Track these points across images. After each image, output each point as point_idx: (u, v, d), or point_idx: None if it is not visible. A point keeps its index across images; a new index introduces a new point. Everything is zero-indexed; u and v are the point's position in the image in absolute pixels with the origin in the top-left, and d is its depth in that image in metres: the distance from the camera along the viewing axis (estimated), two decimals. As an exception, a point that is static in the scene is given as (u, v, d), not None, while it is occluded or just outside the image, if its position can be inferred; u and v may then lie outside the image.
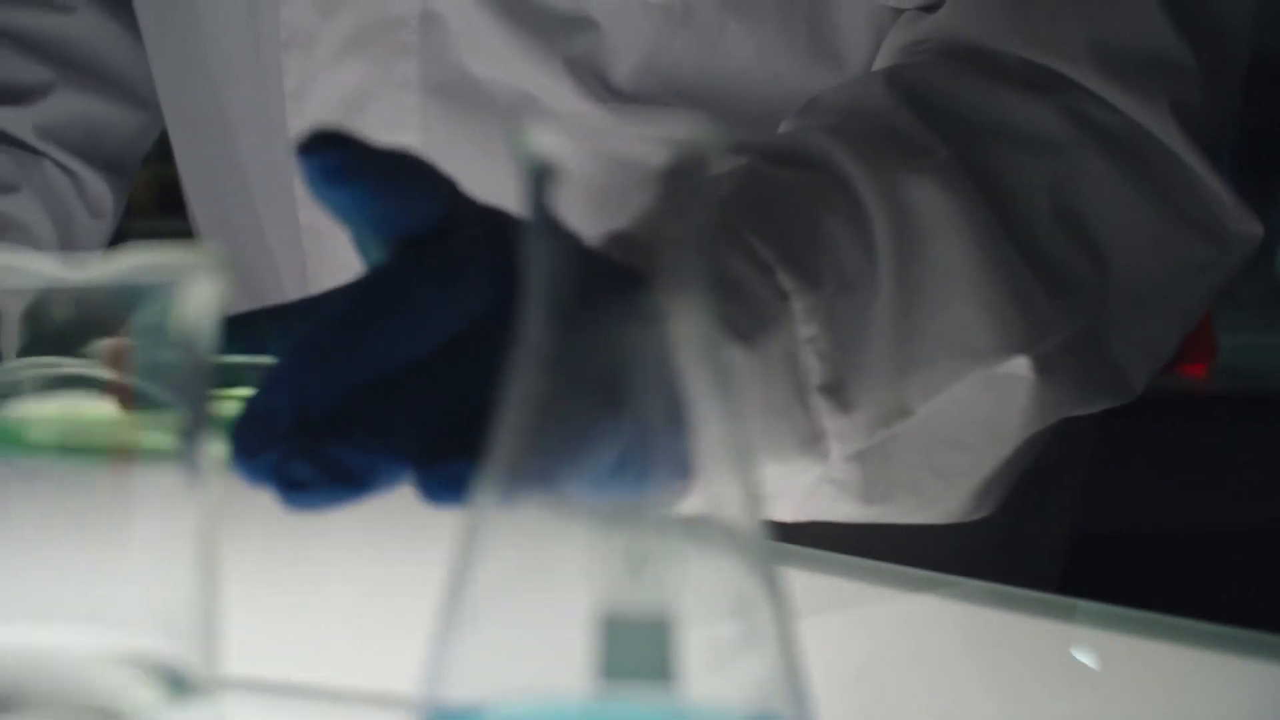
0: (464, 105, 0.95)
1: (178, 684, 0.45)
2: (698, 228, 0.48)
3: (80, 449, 0.48)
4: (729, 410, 0.48)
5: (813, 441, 0.78)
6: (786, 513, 0.83)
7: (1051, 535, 1.06)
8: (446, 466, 0.57)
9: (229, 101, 1.02)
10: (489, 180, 0.94)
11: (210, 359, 0.47)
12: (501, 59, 0.94)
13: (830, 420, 0.78)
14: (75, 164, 1.10)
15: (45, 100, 1.09)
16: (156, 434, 0.46)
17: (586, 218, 0.48)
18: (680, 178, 0.48)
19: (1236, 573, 1.88)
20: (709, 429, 0.48)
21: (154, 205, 2.24)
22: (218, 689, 0.45)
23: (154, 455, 0.47)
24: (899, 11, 0.94)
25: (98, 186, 1.11)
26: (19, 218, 1.05)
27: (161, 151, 1.15)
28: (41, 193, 1.07)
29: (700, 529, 0.47)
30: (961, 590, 0.77)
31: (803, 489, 0.81)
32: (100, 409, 0.47)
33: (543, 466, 0.48)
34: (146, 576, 0.45)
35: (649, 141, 0.48)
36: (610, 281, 0.48)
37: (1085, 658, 0.70)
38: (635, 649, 0.46)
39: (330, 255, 0.97)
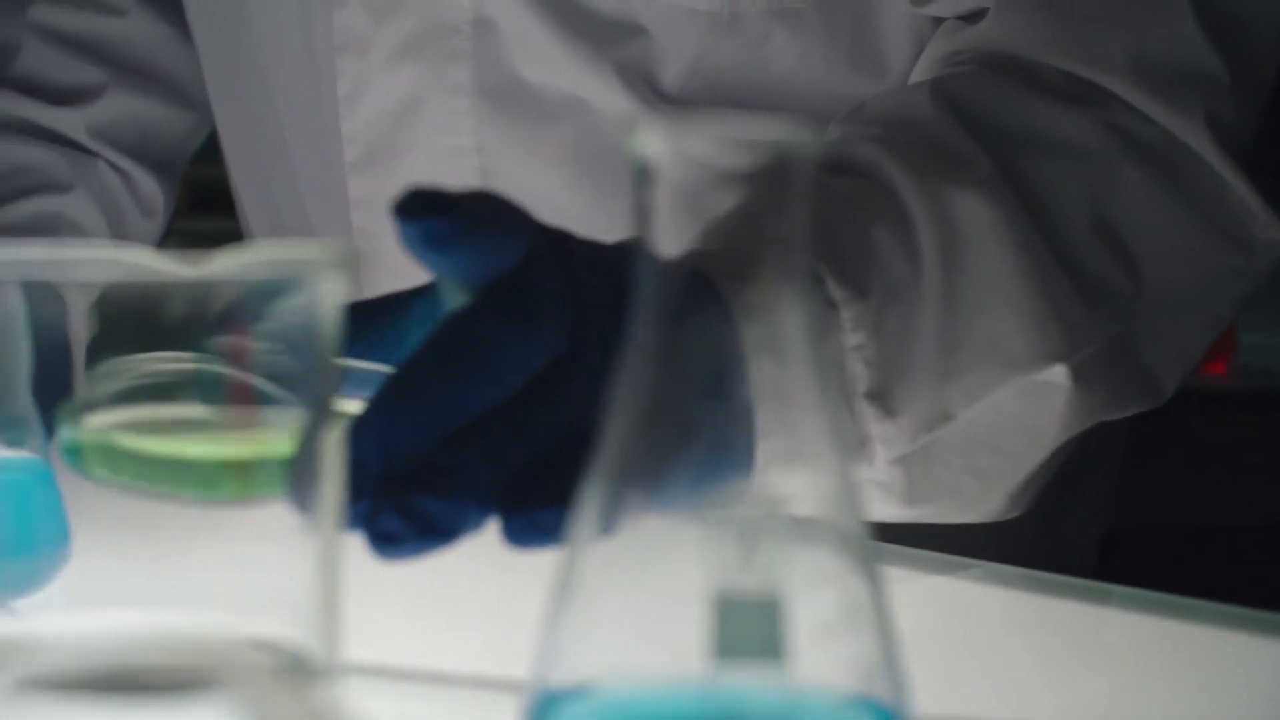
0: (516, 109, 0.98)
1: (301, 667, 0.47)
2: (797, 227, 0.51)
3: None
4: (829, 403, 0.50)
5: (858, 445, 0.80)
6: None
7: (1085, 528, 1.09)
8: (531, 513, 0.58)
9: (281, 104, 1.05)
10: (540, 183, 0.97)
11: (333, 355, 0.48)
12: (553, 63, 0.96)
13: (876, 425, 0.80)
14: (127, 164, 1.12)
15: (98, 101, 1.11)
16: (275, 430, 0.48)
17: (687, 217, 0.50)
18: (780, 179, 0.50)
19: (1255, 561, 1.90)
20: (810, 421, 0.50)
21: (187, 206, 2.26)
22: (338, 672, 0.48)
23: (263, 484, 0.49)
24: (939, 20, 0.96)
25: (149, 186, 1.13)
26: (74, 217, 1.07)
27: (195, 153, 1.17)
28: (95, 192, 1.09)
29: (804, 517, 0.50)
30: (1000, 575, 0.79)
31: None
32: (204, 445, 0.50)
33: (650, 465, 0.50)
34: (273, 567, 0.48)
35: (753, 144, 0.50)
36: (711, 279, 0.51)
37: (1116, 638, 0.73)
38: (747, 628, 0.48)
39: (382, 257, 0.99)
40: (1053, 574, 0.79)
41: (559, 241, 0.65)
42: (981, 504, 0.89)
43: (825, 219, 0.80)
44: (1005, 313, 0.83)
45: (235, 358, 0.48)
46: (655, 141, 0.51)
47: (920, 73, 0.94)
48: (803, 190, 0.51)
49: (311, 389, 0.48)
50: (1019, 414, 0.87)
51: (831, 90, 0.97)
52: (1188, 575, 0.94)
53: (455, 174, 0.98)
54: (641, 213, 0.51)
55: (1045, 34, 0.90)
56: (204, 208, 1.29)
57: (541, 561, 0.56)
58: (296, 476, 0.48)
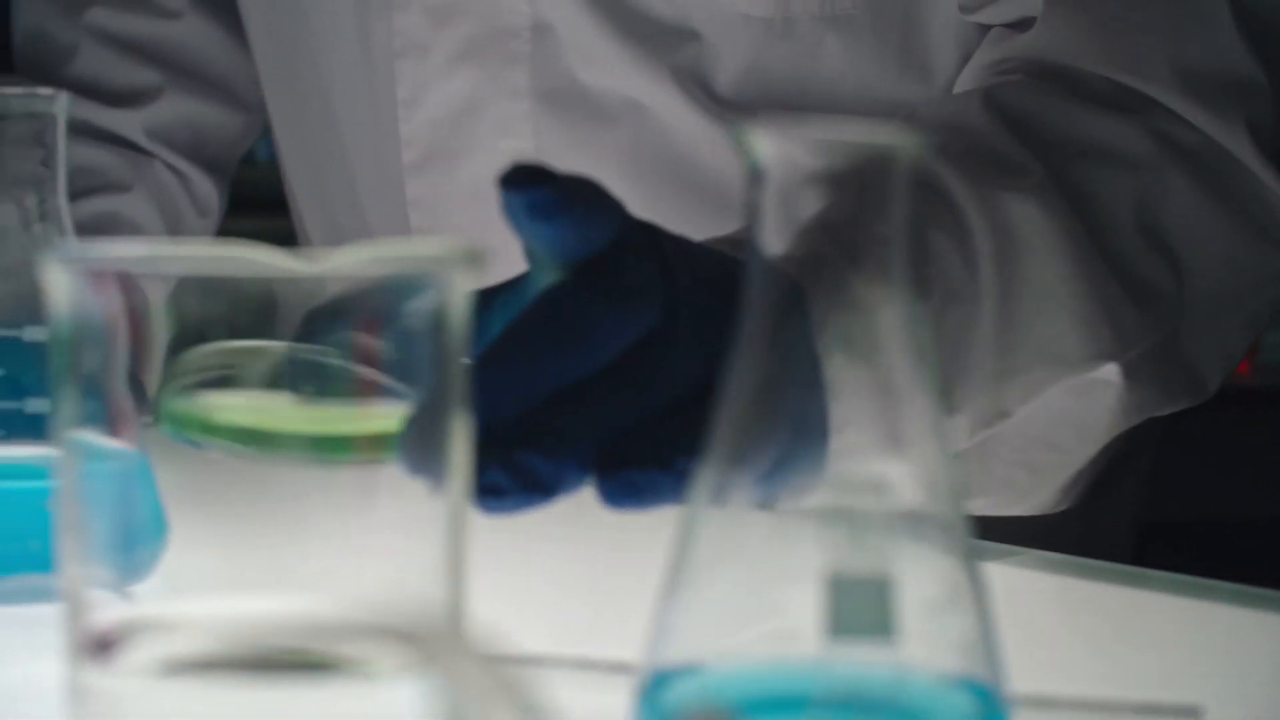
0: (574, 112, 1.00)
1: (426, 649, 0.49)
2: (897, 227, 0.53)
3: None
4: (929, 396, 0.53)
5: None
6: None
7: (1121, 521, 1.11)
8: (625, 473, 0.61)
9: (338, 107, 1.06)
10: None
11: (461, 350, 0.50)
12: (610, 67, 0.98)
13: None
14: (183, 164, 1.14)
15: (155, 103, 1.13)
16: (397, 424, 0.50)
17: (792, 216, 0.52)
18: (885, 179, 0.52)
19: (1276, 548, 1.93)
20: (914, 409, 0.53)
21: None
22: (462, 657, 0.49)
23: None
24: (984, 27, 0.98)
25: (204, 185, 1.15)
26: (132, 216, 1.08)
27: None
28: (153, 192, 1.11)
29: (907, 504, 0.52)
30: (1047, 561, 0.82)
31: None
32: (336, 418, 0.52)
33: (752, 453, 0.53)
34: (400, 556, 0.50)
35: (861, 146, 0.52)
36: (803, 276, 0.53)
37: (1155, 618, 0.76)
38: (859, 607, 0.50)
39: None
40: (1096, 560, 0.82)
41: (646, 227, 0.67)
42: (1033, 497, 0.92)
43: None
44: (1059, 314, 0.86)
45: (364, 352, 0.50)
46: (765, 143, 0.53)
47: (967, 79, 0.96)
48: (903, 191, 0.53)
49: (441, 381, 0.50)
50: (1071, 411, 0.89)
51: (879, 94, 0.99)
52: (1217, 562, 0.97)
53: None
54: (751, 212, 0.54)
55: (1091, 43, 0.92)
56: (236, 208, 1.31)
57: (644, 549, 0.59)
58: (411, 456, 0.50)
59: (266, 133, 1.18)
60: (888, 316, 0.54)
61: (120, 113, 1.11)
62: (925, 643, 0.52)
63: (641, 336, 0.64)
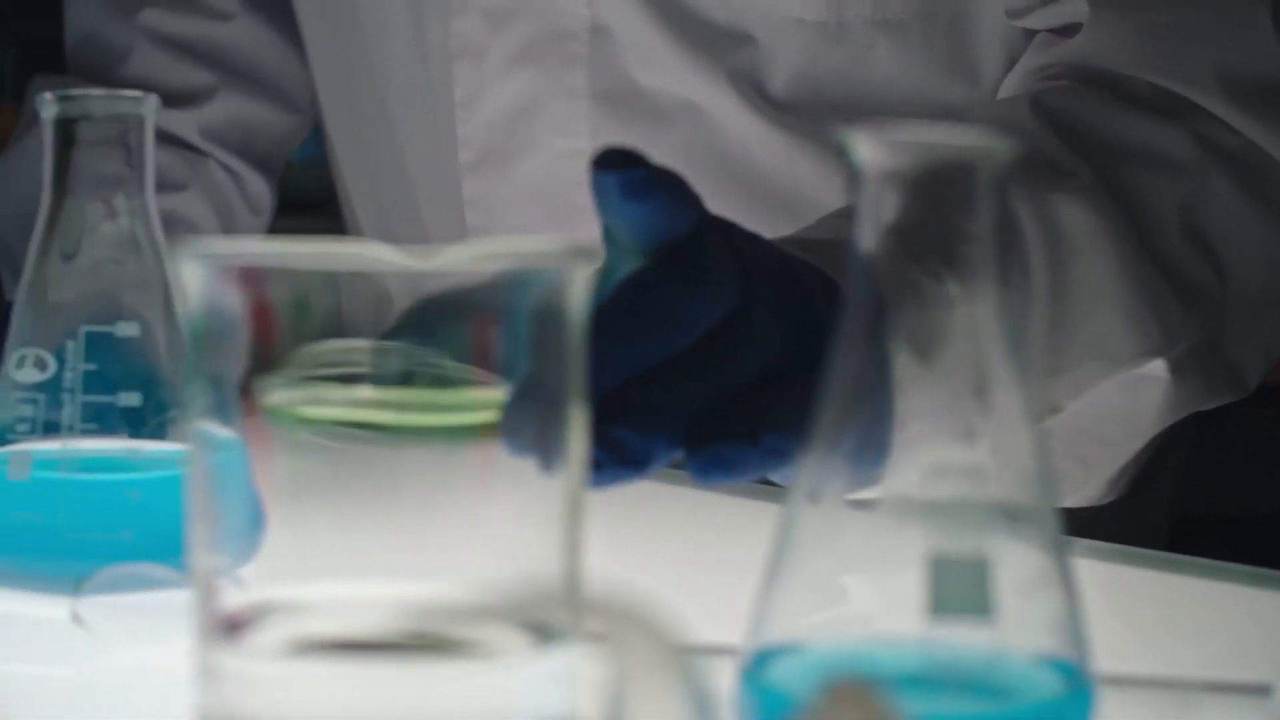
0: (630, 113, 1.02)
1: (544, 633, 0.51)
2: (987, 225, 0.55)
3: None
4: (1020, 386, 0.55)
5: (966, 437, 0.85)
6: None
7: (1158, 512, 1.13)
8: (714, 448, 0.64)
9: (393, 107, 1.08)
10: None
11: (579, 344, 0.52)
12: (666, 68, 1.01)
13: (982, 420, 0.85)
14: (235, 163, 1.16)
15: (209, 103, 1.14)
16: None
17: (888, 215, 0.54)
18: (977, 181, 0.55)
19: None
20: (1008, 400, 0.55)
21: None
22: (577, 639, 0.52)
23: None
24: (1029, 32, 1.00)
25: (256, 184, 1.17)
26: (187, 215, 1.10)
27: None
28: (208, 191, 1.13)
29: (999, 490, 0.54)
30: (1094, 549, 0.85)
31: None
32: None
33: (847, 441, 0.55)
34: (520, 542, 0.52)
35: (954, 149, 0.54)
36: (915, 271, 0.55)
37: (1193, 603, 0.78)
38: (959, 586, 0.53)
39: None
40: (1139, 548, 0.84)
41: (718, 219, 0.70)
42: (1083, 488, 0.95)
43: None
44: (1108, 313, 0.89)
45: (481, 346, 0.52)
46: (865, 145, 0.55)
47: (1013, 83, 0.99)
48: (993, 191, 0.55)
49: (559, 373, 0.52)
50: (1120, 406, 0.92)
51: (928, 97, 1.01)
52: (1249, 555, 1.00)
53: (570, 174, 1.03)
54: (851, 211, 0.56)
55: (1136, 49, 0.95)
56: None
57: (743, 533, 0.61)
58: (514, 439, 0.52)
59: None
60: (973, 312, 0.56)
61: (175, 113, 1.12)
62: (1018, 623, 0.54)
63: (721, 319, 0.67)
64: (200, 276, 0.52)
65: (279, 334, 0.52)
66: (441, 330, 0.52)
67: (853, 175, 0.55)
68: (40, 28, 2.27)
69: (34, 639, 0.63)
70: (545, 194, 1.04)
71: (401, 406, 0.54)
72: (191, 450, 0.53)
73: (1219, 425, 1.16)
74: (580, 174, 1.02)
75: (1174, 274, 0.91)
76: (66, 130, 0.75)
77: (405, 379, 0.53)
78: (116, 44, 1.15)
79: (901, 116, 1.01)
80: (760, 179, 1.01)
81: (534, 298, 0.52)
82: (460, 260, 0.52)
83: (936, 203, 0.55)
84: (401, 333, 0.53)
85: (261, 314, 0.51)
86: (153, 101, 0.76)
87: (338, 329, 0.52)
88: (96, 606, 0.66)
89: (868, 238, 0.55)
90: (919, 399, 0.55)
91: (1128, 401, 0.92)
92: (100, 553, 0.71)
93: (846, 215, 0.83)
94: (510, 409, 0.52)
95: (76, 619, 0.66)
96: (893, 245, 0.55)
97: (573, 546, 0.52)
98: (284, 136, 1.18)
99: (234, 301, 0.51)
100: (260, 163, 1.17)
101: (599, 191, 0.65)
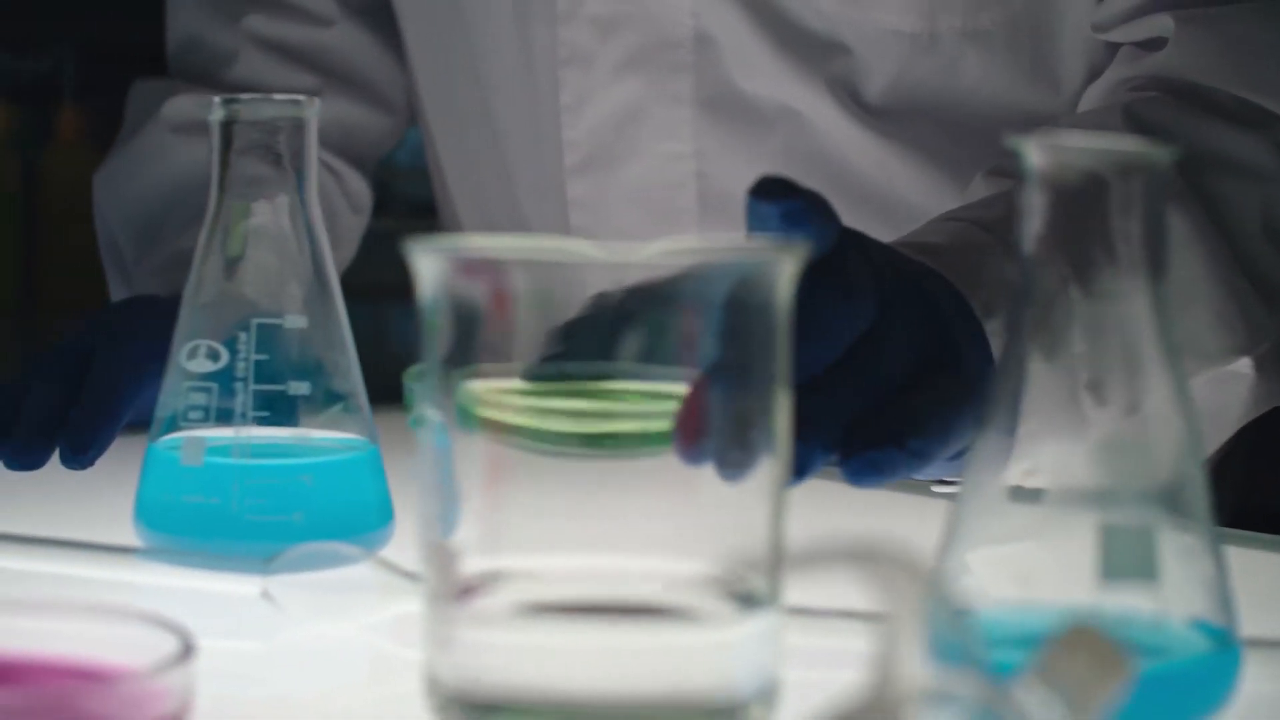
0: (732, 118, 1.06)
1: (749, 600, 0.56)
2: (1151, 223, 0.59)
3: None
4: (1176, 375, 0.59)
5: (1079, 429, 0.89)
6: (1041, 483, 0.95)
7: (1223, 507, 1.18)
8: (867, 453, 0.68)
9: (499, 111, 1.12)
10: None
11: (785, 338, 0.56)
12: (768, 76, 1.05)
13: (1092, 412, 0.89)
14: (337, 163, 1.19)
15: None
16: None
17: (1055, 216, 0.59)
18: (1134, 183, 0.59)
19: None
20: (1162, 384, 0.59)
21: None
22: (779, 606, 0.56)
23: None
24: (1113, 45, 1.04)
25: (357, 184, 1.21)
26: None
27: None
28: (313, 189, 1.16)
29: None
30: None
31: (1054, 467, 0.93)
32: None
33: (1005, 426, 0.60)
34: (726, 515, 0.56)
35: (1118, 154, 0.59)
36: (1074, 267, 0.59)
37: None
38: (1128, 553, 0.57)
39: None
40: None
41: (855, 233, 0.74)
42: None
43: None
44: (1199, 312, 0.93)
45: (687, 338, 0.56)
46: (1036, 149, 0.59)
47: (1097, 93, 1.03)
48: (1155, 192, 0.60)
49: (766, 364, 0.56)
50: (1208, 401, 0.96)
51: (1011, 104, 1.06)
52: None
53: (673, 177, 1.07)
54: (1021, 211, 0.60)
55: (1220, 63, 0.99)
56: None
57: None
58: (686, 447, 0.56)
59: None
60: (1130, 305, 0.60)
61: None
62: (1175, 589, 0.58)
63: (864, 330, 0.71)
64: (433, 269, 0.56)
65: (509, 324, 0.55)
66: (651, 323, 0.56)
67: (1023, 176, 0.59)
68: (98, 29, 2.31)
69: (226, 615, 0.66)
70: (648, 197, 1.08)
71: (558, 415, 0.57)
72: (423, 433, 0.56)
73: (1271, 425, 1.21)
74: (683, 177, 1.07)
75: (1258, 274, 0.95)
76: (231, 132, 0.79)
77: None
78: (221, 48, 1.18)
79: (983, 121, 1.05)
80: (855, 181, 1.06)
81: (741, 291, 0.56)
82: (669, 255, 0.56)
83: (1098, 203, 0.60)
84: (610, 324, 0.56)
85: (498, 304, 0.55)
86: (315, 105, 0.80)
87: (558, 319, 0.56)
88: (284, 583, 0.70)
89: (1034, 236, 0.60)
90: (1083, 384, 0.60)
91: (1215, 396, 0.97)
92: (273, 534, 0.75)
93: (953, 218, 0.88)
94: (682, 419, 0.56)
95: (266, 596, 0.70)
96: (1057, 243, 0.59)
97: (776, 518, 0.56)
98: (381, 138, 1.22)
99: (468, 293, 0.55)
100: (359, 163, 1.21)
101: (756, 218, 0.69)
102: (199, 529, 0.76)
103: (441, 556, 0.56)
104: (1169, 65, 0.99)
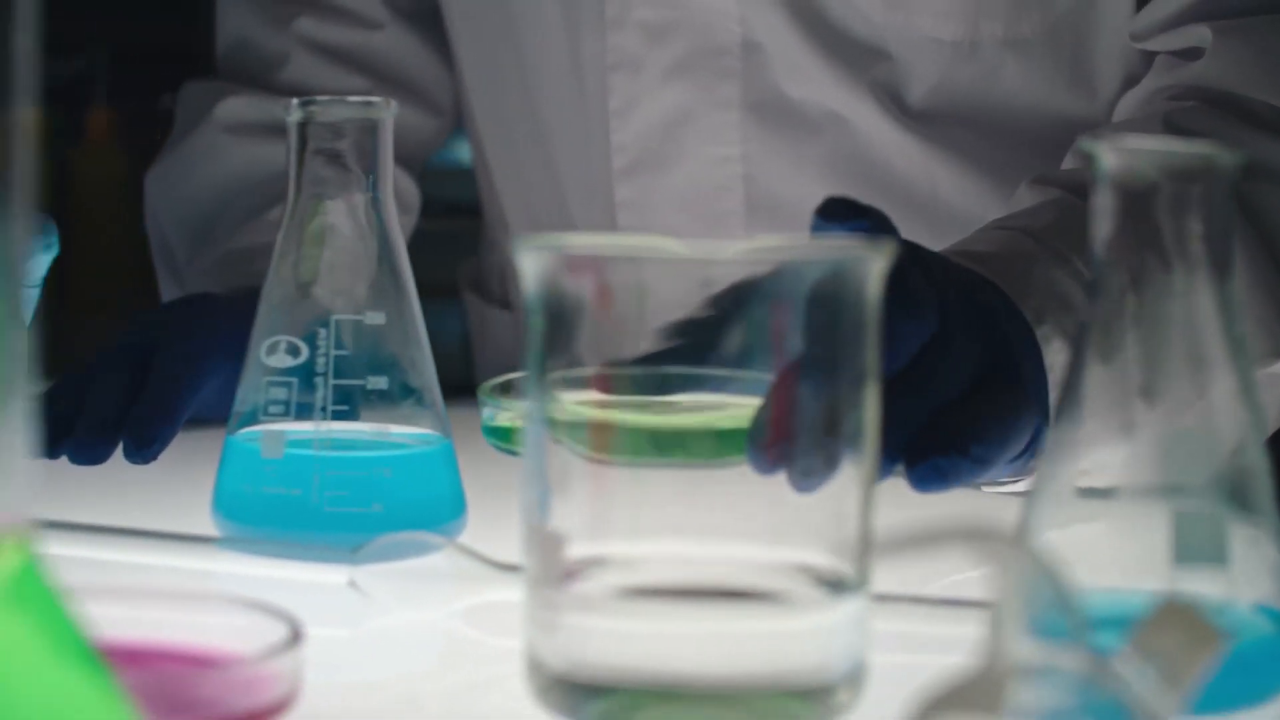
0: (779, 122, 1.09)
1: (838, 586, 0.58)
2: (1216, 223, 0.62)
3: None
4: (1242, 368, 0.62)
5: (1129, 429, 0.92)
6: (1101, 482, 0.96)
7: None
8: (932, 460, 0.72)
9: (547, 114, 1.15)
10: (799, 188, 1.08)
11: (875, 336, 0.59)
12: (814, 81, 1.07)
13: (1141, 414, 0.92)
14: (387, 164, 1.22)
15: (361, 108, 1.20)
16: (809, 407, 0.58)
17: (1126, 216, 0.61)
18: (1202, 185, 0.61)
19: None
20: (1229, 379, 0.62)
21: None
22: (866, 593, 0.58)
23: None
24: (1149, 53, 1.07)
25: (405, 183, 1.23)
26: (345, 213, 1.16)
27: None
28: (363, 190, 1.19)
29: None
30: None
31: (1116, 464, 0.95)
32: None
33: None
34: (820, 511, 0.58)
35: (1186, 155, 0.61)
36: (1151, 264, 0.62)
37: None
38: (1199, 539, 0.59)
39: None
40: None
41: (913, 245, 0.76)
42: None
43: (1088, 234, 0.91)
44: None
45: (778, 333, 0.58)
46: (1108, 152, 0.62)
47: (1135, 100, 1.05)
48: (1222, 193, 0.62)
49: (855, 358, 0.58)
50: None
51: (1049, 109, 1.08)
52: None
53: (720, 180, 1.09)
54: (1093, 213, 0.62)
55: (1257, 73, 1.01)
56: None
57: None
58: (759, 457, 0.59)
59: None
60: (1198, 302, 0.63)
61: None
62: (1242, 575, 0.61)
63: (926, 341, 0.74)
64: (536, 266, 0.58)
65: (614, 319, 0.58)
66: (750, 319, 0.58)
67: (1096, 180, 0.62)
68: (129, 31, 2.33)
69: (312, 603, 0.68)
70: (696, 199, 1.10)
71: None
72: (532, 424, 0.59)
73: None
74: (729, 179, 1.10)
75: None
76: (308, 133, 0.81)
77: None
78: (271, 51, 1.21)
79: (1021, 125, 1.08)
80: (898, 184, 1.08)
81: (837, 287, 0.58)
82: (761, 252, 0.58)
83: (1171, 204, 0.62)
84: (710, 321, 0.59)
85: (601, 300, 0.57)
86: (391, 107, 0.82)
87: (660, 316, 0.58)
88: (370, 572, 0.72)
89: (1104, 238, 0.62)
90: (1154, 379, 0.62)
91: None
92: (352, 525, 0.77)
93: (1001, 227, 0.90)
94: (755, 430, 0.58)
95: (353, 584, 0.72)
96: (1127, 244, 0.62)
97: (865, 507, 0.58)
98: (429, 139, 1.24)
99: (573, 289, 0.57)
100: (406, 163, 1.23)
101: (822, 234, 0.71)
102: (279, 520, 0.78)
103: (544, 543, 0.58)
104: (1206, 75, 1.02)
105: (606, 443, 0.58)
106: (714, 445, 0.60)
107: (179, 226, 1.18)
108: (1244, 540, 0.62)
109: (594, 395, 0.58)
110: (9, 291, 0.44)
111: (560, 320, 0.58)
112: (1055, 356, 0.83)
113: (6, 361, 0.44)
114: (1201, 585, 0.61)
